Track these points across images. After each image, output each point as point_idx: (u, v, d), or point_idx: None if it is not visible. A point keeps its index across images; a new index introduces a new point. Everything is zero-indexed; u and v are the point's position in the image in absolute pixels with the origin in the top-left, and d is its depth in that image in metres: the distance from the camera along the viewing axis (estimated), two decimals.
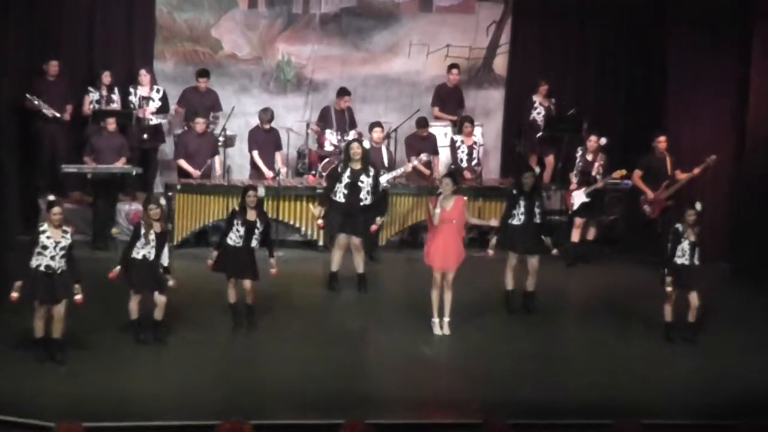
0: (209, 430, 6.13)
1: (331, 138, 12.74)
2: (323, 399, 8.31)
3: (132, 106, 12.49)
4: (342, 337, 9.70)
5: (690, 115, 12.50)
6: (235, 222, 9.65)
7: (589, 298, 11.37)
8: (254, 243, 9.67)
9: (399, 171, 12.12)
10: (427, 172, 12.49)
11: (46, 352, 8.72)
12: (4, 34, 11.69)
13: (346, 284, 10.87)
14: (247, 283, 9.66)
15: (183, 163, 12.19)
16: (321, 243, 12.03)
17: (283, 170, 12.28)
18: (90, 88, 12.46)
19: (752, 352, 9.60)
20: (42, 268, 8.63)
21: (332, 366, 8.97)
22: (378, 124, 12.22)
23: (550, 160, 13.16)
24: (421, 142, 12.57)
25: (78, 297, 8.71)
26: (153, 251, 9.12)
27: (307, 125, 12.98)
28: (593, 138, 12.01)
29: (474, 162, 12.64)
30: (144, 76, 12.57)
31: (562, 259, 11.40)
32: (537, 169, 11.28)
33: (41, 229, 8.71)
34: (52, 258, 8.65)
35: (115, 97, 12.51)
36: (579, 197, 12.04)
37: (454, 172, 11.01)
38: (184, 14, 13.21)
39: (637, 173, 12.03)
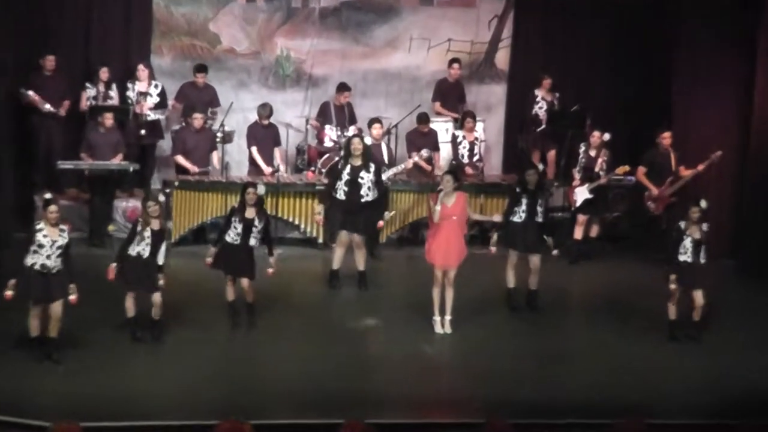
0: (208, 430, 6.11)
1: (331, 134, 12.68)
2: (323, 398, 8.28)
3: (130, 101, 12.42)
4: (342, 335, 9.65)
5: (695, 111, 12.45)
6: (233, 219, 9.58)
7: (592, 296, 11.32)
8: (253, 241, 9.60)
9: (400, 167, 12.06)
10: (428, 168, 12.42)
11: (42, 351, 8.66)
12: (1, 29, 11.60)
13: (346, 282, 10.82)
14: (245, 282, 9.60)
15: (181, 159, 12.10)
16: (320, 240, 11.95)
17: (282, 166, 12.22)
18: (87, 84, 12.38)
19: (757, 350, 9.56)
20: (37, 267, 8.58)
21: (332, 365, 8.95)
22: (377, 120, 12.15)
23: (552, 155, 13.09)
24: (422, 138, 12.50)
25: (73, 297, 8.66)
26: (148, 249, 9.06)
27: (307, 121, 12.91)
28: (596, 134, 11.95)
29: (475, 158, 12.57)
30: (142, 71, 12.48)
31: (564, 257, 11.33)
32: (541, 166, 11.18)
33: (38, 227, 8.65)
34: (48, 257, 8.59)
35: (113, 93, 12.44)
36: (582, 194, 11.98)
37: (455, 169, 10.97)
38: (182, 8, 13.13)
39: (642, 169, 12.00)
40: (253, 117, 12.55)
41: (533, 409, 8.19)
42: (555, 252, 10.32)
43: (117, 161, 11.83)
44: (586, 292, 11.52)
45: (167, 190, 11.51)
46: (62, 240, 8.62)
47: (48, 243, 8.56)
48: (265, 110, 12.43)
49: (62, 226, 8.67)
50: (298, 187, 11.97)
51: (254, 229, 9.55)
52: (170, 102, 12.67)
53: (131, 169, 11.88)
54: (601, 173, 11.93)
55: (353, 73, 13.36)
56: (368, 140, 11.06)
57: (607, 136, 11.95)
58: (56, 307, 8.61)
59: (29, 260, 8.58)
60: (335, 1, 13.38)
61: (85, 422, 6.27)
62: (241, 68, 13.26)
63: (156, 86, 12.54)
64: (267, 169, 12.20)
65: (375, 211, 10.67)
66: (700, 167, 11.74)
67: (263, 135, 12.39)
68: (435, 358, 9.43)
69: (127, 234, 9.42)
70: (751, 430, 6.91)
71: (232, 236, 9.56)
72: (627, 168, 11.85)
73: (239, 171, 12.47)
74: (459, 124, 12.74)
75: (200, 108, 12.24)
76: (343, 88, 12.86)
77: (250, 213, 9.58)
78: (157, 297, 9.09)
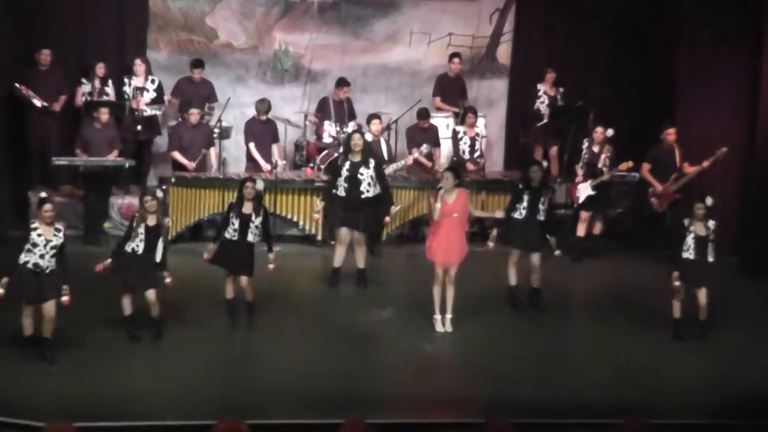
0: (206, 430, 6.07)
1: (330, 129, 12.61)
2: (322, 398, 8.23)
3: (126, 96, 12.32)
4: (341, 334, 9.57)
5: (700, 107, 12.40)
6: (231, 215, 9.51)
7: (595, 294, 11.24)
8: (251, 237, 9.52)
9: (400, 163, 11.97)
10: (428, 164, 12.34)
11: (36, 350, 8.59)
12: None
13: (345, 280, 10.75)
14: (243, 280, 9.53)
15: (177, 155, 12.00)
16: (319, 237, 11.85)
17: (281, 163, 12.12)
18: (83, 80, 12.30)
19: (758, 349, 9.48)
20: (30, 266, 8.51)
21: (331, 364, 8.90)
22: (376, 115, 12.06)
23: (554, 151, 13.02)
24: (423, 134, 12.41)
25: (65, 298, 8.56)
26: (142, 245, 9.00)
27: (305, 116, 12.84)
28: (599, 129, 11.89)
29: (477, 154, 12.47)
30: (139, 65, 12.40)
31: (567, 254, 11.23)
32: (545, 163, 11.07)
33: (32, 226, 8.60)
34: (42, 256, 8.51)
35: (109, 89, 12.37)
36: (585, 190, 11.90)
37: (456, 165, 10.92)
38: (179, 2, 13.05)
39: (646, 166, 11.95)
40: (251, 112, 12.46)
41: (534, 408, 8.13)
42: (557, 252, 10.22)
43: (112, 157, 11.76)
44: (589, 290, 11.46)
45: (164, 187, 11.41)
46: (57, 240, 8.55)
47: (42, 242, 8.49)
48: (264, 106, 12.33)
49: (58, 226, 8.60)
50: (296, 183, 11.87)
51: (252, 225, 9.47)
52: (166, 97, 12.57)
53: (127, 165, 11.81)
54: (605, 169, 11.86)
55: (353, 68, 13.28)
56: (368, 136, 10.95)
57: (610, 132, 11.88)
58: (49, 307, 8.52)
59: (22, 258, 8.51)
60: None
61: (80, 422, 6.28)
62: (238, 63, 13.18)
63: (153, 81, 12.46)
64: (265, 166, 12.11)
65: (377, 208, 10.57)
66: (705, 164, 11.70)
67: (261, 131, 12.30)
68: (435, 356, 9.38)
69: (123, 231, 9.36)
70: (752, 430, 6.87)
71: (231, 232, 9.50)
72: (630, 164, 11.80)
73: (237, 167, 12.43)
74: (460, 119, 12.66)
75: (197, 103, 12.17)
76: (342, 83, 12.78)
77: (247, 208, 9.50)
78: (151, 294, 9.00)
